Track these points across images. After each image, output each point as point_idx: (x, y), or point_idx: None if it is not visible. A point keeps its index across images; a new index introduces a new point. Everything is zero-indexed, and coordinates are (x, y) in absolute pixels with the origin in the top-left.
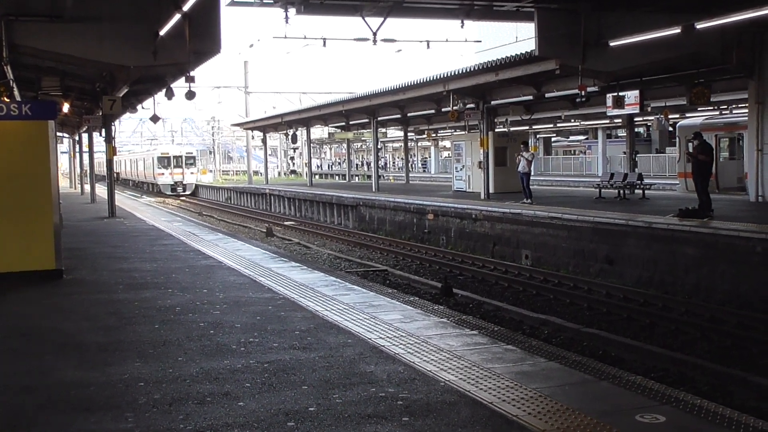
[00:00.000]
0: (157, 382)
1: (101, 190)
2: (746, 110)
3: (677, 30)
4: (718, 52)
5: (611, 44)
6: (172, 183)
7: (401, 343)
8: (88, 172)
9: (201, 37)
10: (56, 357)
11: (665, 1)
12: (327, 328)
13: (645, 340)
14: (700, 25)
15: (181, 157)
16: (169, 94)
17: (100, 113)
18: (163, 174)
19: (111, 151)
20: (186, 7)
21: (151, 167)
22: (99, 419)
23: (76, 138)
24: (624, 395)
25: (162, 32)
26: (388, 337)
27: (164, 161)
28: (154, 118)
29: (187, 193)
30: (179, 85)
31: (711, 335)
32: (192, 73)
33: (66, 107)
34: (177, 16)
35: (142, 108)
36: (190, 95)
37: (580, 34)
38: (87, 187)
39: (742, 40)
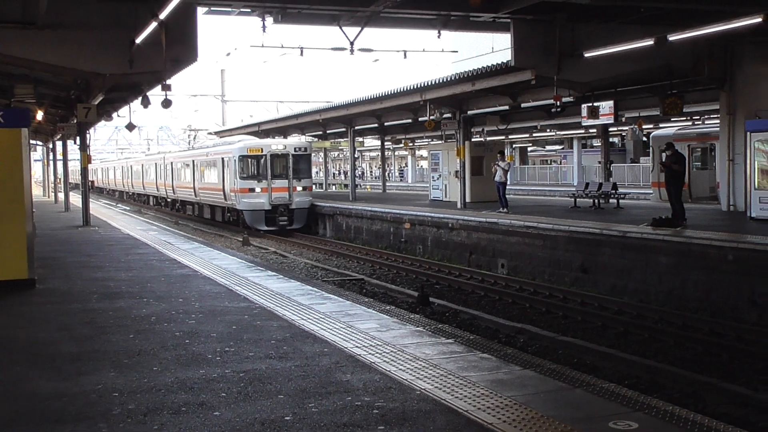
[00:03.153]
0: (131, 392)
1: (76, 199)
2: (718, 121)
3: (650, 42)
4: (690, 64)
5: (586, 55)
6: (270, 207)
7: (377, 352)
8: (62, 180)
9: (178, 45)
10: (28, 368)
11: (638, 14)
12: (303, 337)
13: (619, 348)
14: (672, 38)
15: (287, 156)
16: (145, 102)
17: (75, 121)
18: (252, 190)
19: (86, 158)
20: (162, 15)
21: (219, 177)
22: (72, 430)
23: (50, 146)
24: (598, 402)
25: (138, 40)
26: (364, 346)
27: (253, 165)
28: (130, 126)
29: (297, 226)
30: (155, 93)
31: (684, 342)
32: (168, 81)
33: (40, 115)
34: (153, 24)
35: (118, 116)
36: (166, 103)
37: (556, 45)
38: (61, 196)
39: (713, 53)
